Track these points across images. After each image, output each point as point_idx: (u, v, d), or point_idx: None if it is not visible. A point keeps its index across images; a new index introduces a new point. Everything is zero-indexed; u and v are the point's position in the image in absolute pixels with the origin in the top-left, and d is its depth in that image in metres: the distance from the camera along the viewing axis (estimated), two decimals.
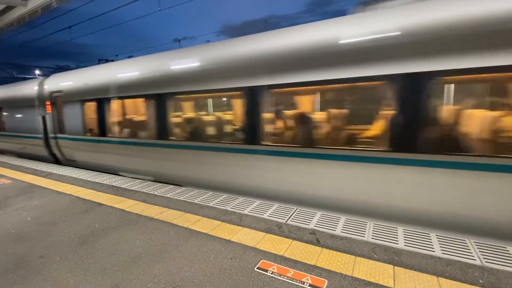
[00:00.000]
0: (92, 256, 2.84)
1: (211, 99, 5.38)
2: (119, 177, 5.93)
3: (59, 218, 3.86)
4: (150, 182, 5.50)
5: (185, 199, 4.40)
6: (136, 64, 6.16)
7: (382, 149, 3.49)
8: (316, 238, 3.02)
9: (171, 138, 5.52)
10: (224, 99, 5.28)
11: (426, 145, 3.22)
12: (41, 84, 8.50)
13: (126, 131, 6.46)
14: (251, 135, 4.47)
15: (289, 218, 3.57)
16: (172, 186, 5.18)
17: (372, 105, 3.87)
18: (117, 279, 2.43)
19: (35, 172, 6.64)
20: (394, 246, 2.80)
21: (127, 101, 6.36)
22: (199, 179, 5.37)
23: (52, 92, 7.98)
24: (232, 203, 4.16)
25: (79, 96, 7.15)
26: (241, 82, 4.48)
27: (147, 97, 5.72)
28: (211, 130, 5.39)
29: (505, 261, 2.48)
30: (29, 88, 8.94)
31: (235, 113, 4.93)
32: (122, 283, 2.37)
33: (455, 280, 2.24)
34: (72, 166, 7.69)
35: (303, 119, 4.44)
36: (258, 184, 4.59)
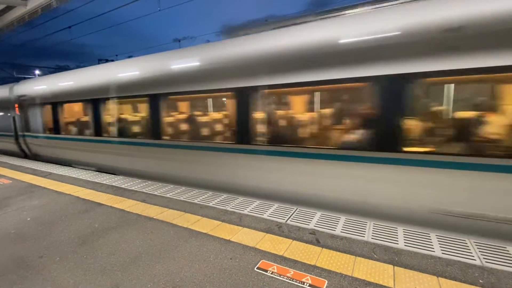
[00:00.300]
0: (92, 256, 2.83)
1: (127, 104, 6.64)
2: (119, 177, 5.93)
3: (58, 218, 3.86)
4: (149, 182, 5.51)
5: (184, 199, 4.40)
6: (75, 75, 7.63)
7: (230, 142, 4.73)
8: (316, 238, 3.02)
9: (104, 135, 6.77)
10: (137, 104, 6.57)
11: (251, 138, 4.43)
12: (11, 89, 9.72)
13: (74, 129, 7.78)
14: (154, 133, 5.70)
15: (289, 218, 3.57)
16: (172, 186, 5.19)
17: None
18: (116, 279, 2.43)
19: (34, 172, 6.64)
20: (394, 246, 2.80)
21: (72, 104, 7.73)
22: (127, 168, 6.58)
23: (19, 96, 9.24)
24: (232, 203, 4.16)
25: (39, 100, 8.50)
26: (142, 91, 5.73)
27: (84, 102, 7.11)
28: (132, 128, 6.48)
29: (505, 261, 2.48)
30: (2, 92, 10.21)
31: (143, 115, 6.09)
32: (122, 283, 2.37)
33: (455, 280, 2.24)
34: (37, 160, 8.88)
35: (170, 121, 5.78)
36: (159, 171, 5.89)
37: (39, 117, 8.54)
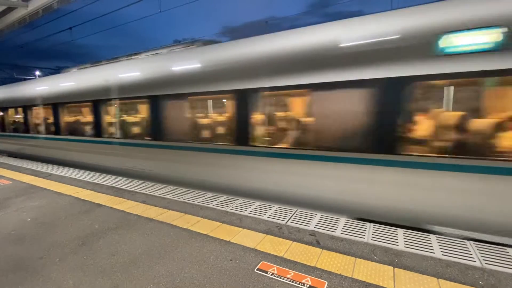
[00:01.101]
0: (92, 257, 2.83)
1: (17, 111, 9.99)
2: (119, 178, 5.93)
3: (58, 219, 3.86)
4: (150, 183, 5.51)
5: (185, 200, 4.40)
6: (6, 90, 10.98)
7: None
8: (316, 240, 3.02)
9: (22, 132, 9.99)
10: (35, 111, 9.10)
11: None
12: None
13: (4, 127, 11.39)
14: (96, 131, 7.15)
15: (289, 219, 3.57)
16: (172, 187, 5.19)
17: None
18: (116, 280, 2.43)
19: (34, 173, 6.64)
20: (394, 247, 2.80)
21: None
22: (38, 155, 9.53)
23: None
24: (232, 204, 4.16)
25: None
26: (88, 97, 7.28)
27: (14, 108, 10.43)
28: (25, 126, 9.60)
29: (505, 262, 2.48)
30: None
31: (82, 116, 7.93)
32: (122, 284, 2.37)
33: (455, 282, 2.24)
34: None
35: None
36: (96, 162, 7.27)
37: None
